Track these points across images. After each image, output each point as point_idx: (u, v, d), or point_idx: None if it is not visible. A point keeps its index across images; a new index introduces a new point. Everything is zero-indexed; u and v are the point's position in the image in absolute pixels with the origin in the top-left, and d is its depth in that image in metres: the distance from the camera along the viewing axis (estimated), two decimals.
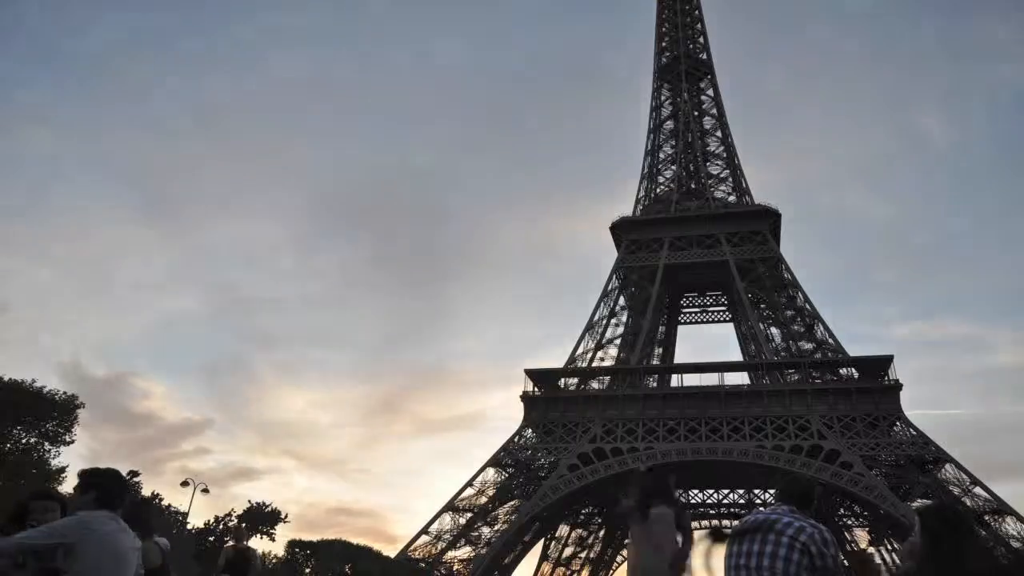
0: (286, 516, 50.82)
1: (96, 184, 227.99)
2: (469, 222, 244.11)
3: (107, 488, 4.84)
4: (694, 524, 10.52)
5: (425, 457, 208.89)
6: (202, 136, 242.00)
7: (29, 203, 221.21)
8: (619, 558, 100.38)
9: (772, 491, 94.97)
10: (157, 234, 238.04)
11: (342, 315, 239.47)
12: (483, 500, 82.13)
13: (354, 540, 59.53)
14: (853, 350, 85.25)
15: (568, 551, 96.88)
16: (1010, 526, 67.46)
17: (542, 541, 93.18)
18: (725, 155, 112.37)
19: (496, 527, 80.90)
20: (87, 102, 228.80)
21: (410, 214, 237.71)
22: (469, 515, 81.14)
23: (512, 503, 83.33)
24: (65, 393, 37.15)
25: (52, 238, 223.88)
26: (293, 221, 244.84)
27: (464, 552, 79.41)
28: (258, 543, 47.92)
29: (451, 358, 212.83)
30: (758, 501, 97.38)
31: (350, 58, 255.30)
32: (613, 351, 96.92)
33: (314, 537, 57.92)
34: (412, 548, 77.06)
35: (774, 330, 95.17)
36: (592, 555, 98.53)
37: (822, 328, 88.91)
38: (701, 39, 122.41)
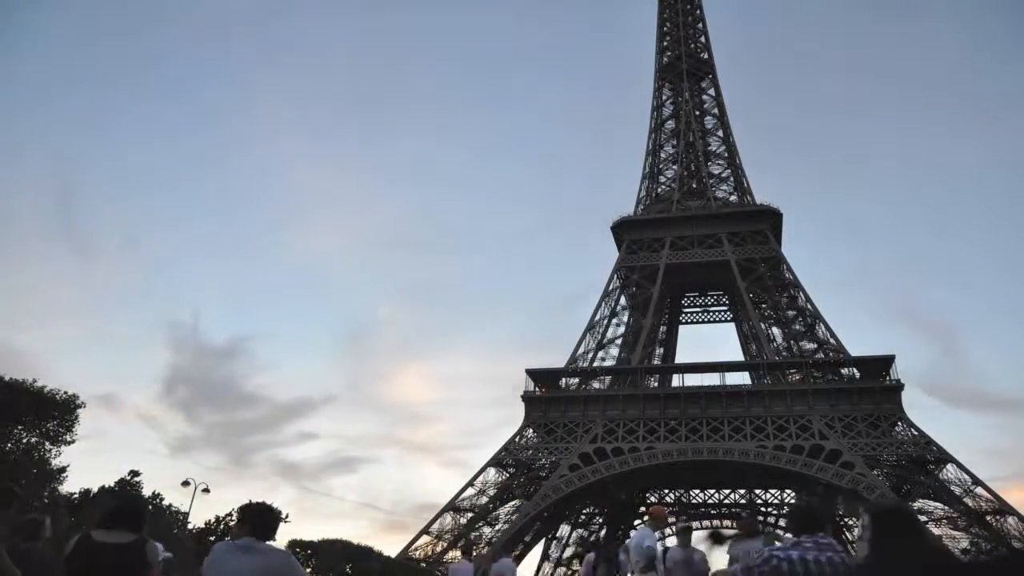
0: (287, 516, 50.82)
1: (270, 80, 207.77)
2: None
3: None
4: (695, 524, 10.77)
5: None
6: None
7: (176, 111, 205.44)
8: None
9: (773, 491, 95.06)
10: (331, 151, 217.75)
11: (521, 267, 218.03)
12: (484, 500, 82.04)
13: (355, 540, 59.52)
14: (855, 350, 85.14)
15: (569, 551, 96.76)
16: (1012, 526, 67.23)
17: (543, 541, 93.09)
18: (726, 155, 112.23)
19: (497, 527, 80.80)
20: None
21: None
22: (470, 515, 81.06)
23: (513, 503, 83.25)
24: (66, 392, 37.12)
25: (198, 152, 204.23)
26: (493, 145, 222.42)
27: None
28: None
29: None
30: (759, 501, 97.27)
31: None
32: (614, 351, 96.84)
33: (314, 537, 57.91)
34: (413, 548, 77.00)
35: (775, 330, 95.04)
36: None
37: (823, 328, 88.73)
38: (702, 38, 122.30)
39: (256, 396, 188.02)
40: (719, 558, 9.77)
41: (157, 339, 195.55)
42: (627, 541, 9.57)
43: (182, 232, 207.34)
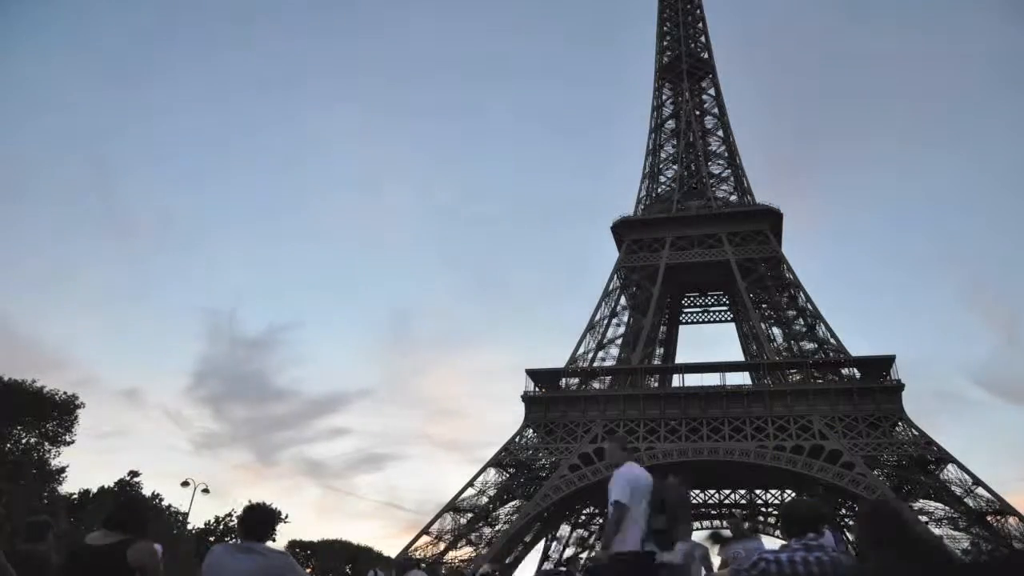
0: (286, 516, 50.77)
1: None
2: None
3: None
4: (696, 525, 10.69)
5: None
6: None
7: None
8: None
9: (773, 491, 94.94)
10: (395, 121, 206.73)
11: (531, 266, 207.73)
12: (484, 500, 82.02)
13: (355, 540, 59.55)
14: (855, 350, 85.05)
15: (569, 551, 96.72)
16: (1012, 527, 67.21)
17: (543, 541, 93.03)
18: (727, 154, 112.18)
19: (497, 527, 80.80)
20: None
21: None
22: (470, 515, 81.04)
23: (513, 503, 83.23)
24: (66, 393, 37.13)
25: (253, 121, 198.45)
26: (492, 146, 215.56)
27: (465, 552, 79.32)
28: None
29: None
30: (759, 502, 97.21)
31: None
32: (614, 351, 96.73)
33: (314, 537, 57.94)
34: (413, 548, 76.95)
35: (776, 330, 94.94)
36: None
37: (824, 328, 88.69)
38: (703, 38, 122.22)
39: (288, 390, 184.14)
40: (714, 560, 9.67)
41: (190, 329, 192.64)
42: None
43: (224, 217, 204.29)
